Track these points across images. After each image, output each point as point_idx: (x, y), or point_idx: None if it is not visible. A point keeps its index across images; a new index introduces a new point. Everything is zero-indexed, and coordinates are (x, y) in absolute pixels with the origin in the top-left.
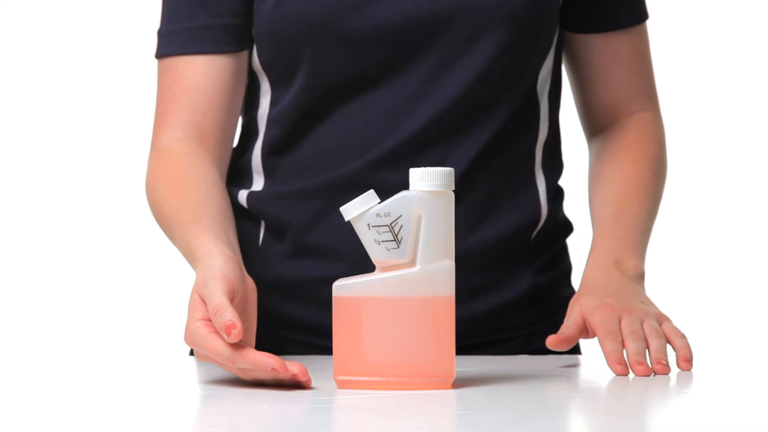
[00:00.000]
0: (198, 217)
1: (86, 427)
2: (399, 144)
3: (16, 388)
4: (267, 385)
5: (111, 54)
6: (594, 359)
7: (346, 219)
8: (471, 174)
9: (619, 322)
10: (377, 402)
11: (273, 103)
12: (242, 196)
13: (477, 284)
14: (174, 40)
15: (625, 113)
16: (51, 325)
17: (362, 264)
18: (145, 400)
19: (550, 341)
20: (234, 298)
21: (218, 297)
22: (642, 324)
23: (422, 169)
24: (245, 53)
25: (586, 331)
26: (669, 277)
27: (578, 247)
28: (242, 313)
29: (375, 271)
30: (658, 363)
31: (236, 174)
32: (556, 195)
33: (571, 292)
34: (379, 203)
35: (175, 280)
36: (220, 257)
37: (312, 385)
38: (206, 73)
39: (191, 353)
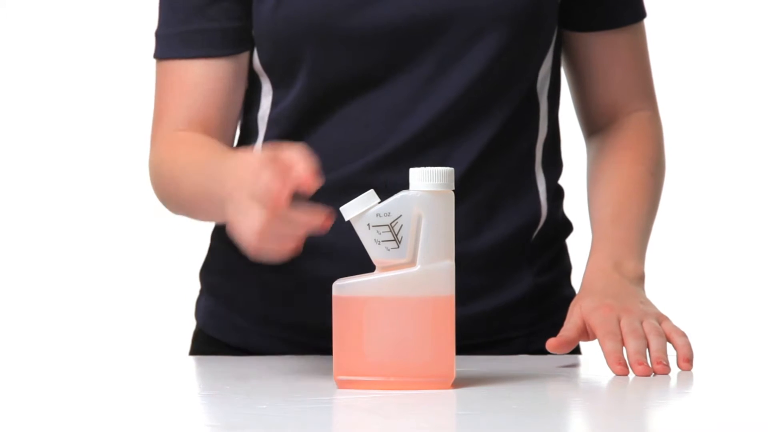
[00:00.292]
0: (214, 149)
1: (86, 427)
2: (400, 144)
3: (16, 389)
4: (267, 385)
5: (111, 54)
6: (594, 359)
7: (346, 219)
8: (471, 174)
9: (619, 322)
10: (377, 402)
11: (274, 104)
12: None
13: (477, 284)
14: (170, 44)
15: (623, 112)
16: (51, 325)
17: (362, 264)
18: (145, 400)
19: (550, 344)
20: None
21: (288, 153)
22: (642, 323)
23: (422, 168)
24: (244, 55)
25: (586, 334)
26: (669, 278)
27: (578, 247)
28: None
29: (375, 271)
30: (658, 363)
31: None
32: (556, 194)
33: (572, 292)
34: (379, 203)
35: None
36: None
37: (312, 385)
38: (205, 74)
39: (191, 353)
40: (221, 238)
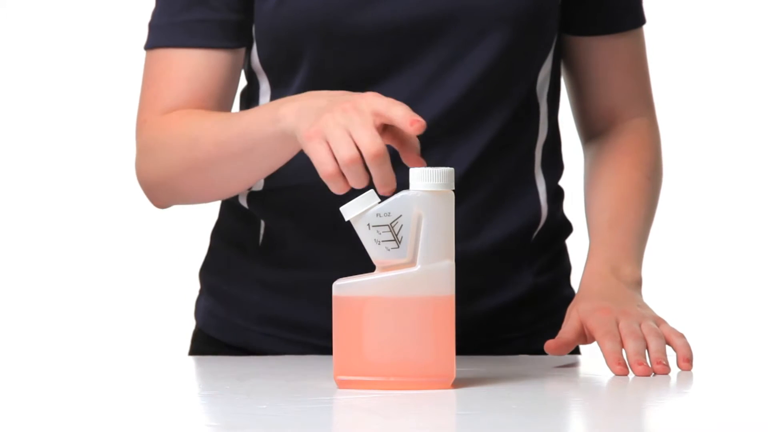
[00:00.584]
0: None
1: (86, 428)
2: None
3: (16, 389)
4: (267, 385)
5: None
6: (594, 359)
7: (346, 219)
8: (472, 174)
9: (617, 324)
10: (377, 402)
11: None
12: (242, 196)
13: (477, 285)
14: (168, 32)
15: (621, 118)
16: (51, 325)
17: (362, 264)
18: (145, 400)
19: (549, 346)
20: None
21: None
22: (640, 325)
23: (422, 168)
24: (242, 51)
25: (584, 336)
26: (669, 278)
27: (578, 247)
28: None
29: (375, 271)
30: (658, 363)
31: None
32: (556, 195)
33: (572, 292)
34: (379, 203)
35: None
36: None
37: (312, 385)
38: (204, 64)
39: (191, 353)
40: (221, 237)
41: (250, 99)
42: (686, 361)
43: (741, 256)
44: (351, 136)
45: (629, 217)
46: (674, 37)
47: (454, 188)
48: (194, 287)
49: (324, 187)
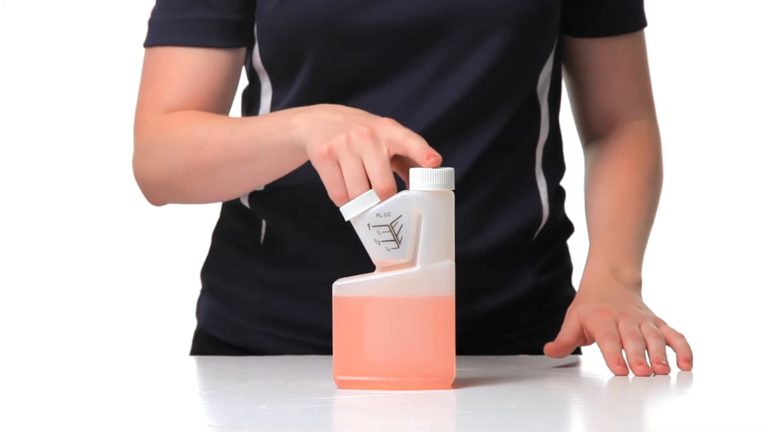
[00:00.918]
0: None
1: (86, 428)
2: None
3: (16, 389)
4: (267, 385)
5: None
6: (594, 359)
7: (346, 219)
8: (472, 175)
9: (617, 325)
10: (377, 402)
11: (274, 103)
12: (244, 196)
13: (478, 285)
14: (170, 30)
15: (622, 120)
16: (51, 325)
17: (362, 264)
18: (145, 400)
19: (548, 349)
20: None
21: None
22: (639, 326)
23: (422, 168)
24: (242, 51)
25: (583, 338)
26: (669, 278)
27: (580, 247)
28: None
29: (375, 271)
30: (657, 363)
31: None
32: (558, 196)
33: (572, 292)
34: (379, 203)
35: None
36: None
37: (312, 385)
38: (206, 63)
39: (192, 353)
40: (222, 237)
41: (251, 99)
42: (686, 362)
43: (741, 256)
44: (363, 166)
45: (629, 218)
46: (675, 40)
47: (454, 188)
48: (196, 287)
49: (325, 188)
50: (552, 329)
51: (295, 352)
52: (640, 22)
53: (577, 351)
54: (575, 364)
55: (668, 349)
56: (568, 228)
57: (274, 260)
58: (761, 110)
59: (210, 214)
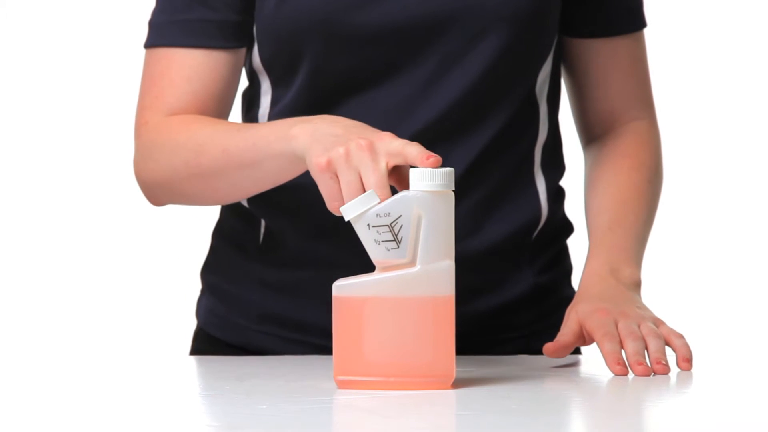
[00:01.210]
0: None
1: (86, 428)
2: None
3: (16, 389)
4: (267, 385)
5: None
6: (593, 359)
7: (346, 219)
8: (471, 174)
9: (616, 325)
10: (377, 402)
11: (274, 103)
12: None
13: (477, 285)
14: (170, 31)
15: (621, 121)
16: (51, 325)
17: (362, 264)
18: (145, 400)
19: (547, 349)
20: None
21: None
22: (639, 326)
23: (422, 169)
24: (242, 51)
25: (582, 338)
26: (668, 278)
27: (579, 247)
28: None
29: (375, 271)
30: (657, 363)
31: None
32: (557, 195)
33: (572, 292)
34: (379, 203)
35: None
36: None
37: (312, 385)
38: (206, 64)
39: (192, 352)
40: (222, 237)
41: (251, 99)
42: (686, 361)
43: (741, 256)
44: (360, 179)
45: (629, 218)
46: (675, 40)
47: (454, 188)
48: (195, 287)
49: None
50: (551, 329)
51: (295, 351)
52: (639, 23)
53: (577, 351)
54: (575, 364)
55: (668, 349)
56: (567, 228)
57: (274, 260)
58: (761, 110)
59: (210, 214)
